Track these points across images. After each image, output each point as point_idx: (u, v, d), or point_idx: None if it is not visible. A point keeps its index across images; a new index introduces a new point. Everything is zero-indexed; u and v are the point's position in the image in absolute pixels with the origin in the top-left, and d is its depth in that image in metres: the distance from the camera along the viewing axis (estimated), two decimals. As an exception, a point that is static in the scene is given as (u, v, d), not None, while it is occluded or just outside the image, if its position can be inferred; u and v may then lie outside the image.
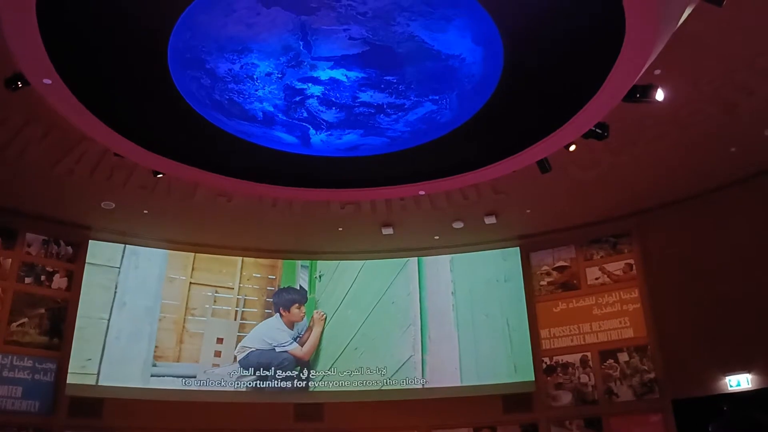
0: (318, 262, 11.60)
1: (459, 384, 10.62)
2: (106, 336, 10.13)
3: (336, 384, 10.80)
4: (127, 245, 10.69)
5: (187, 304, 10.83)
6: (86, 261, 10.32)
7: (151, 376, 10.22)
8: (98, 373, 9.91)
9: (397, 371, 10.80)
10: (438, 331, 10.95)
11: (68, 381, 9.66)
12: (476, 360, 10.68)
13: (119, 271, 10.53)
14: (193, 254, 11.12)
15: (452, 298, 11.15)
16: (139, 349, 10.29)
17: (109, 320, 10.22)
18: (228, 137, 6.93)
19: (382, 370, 10.83)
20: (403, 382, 10.73)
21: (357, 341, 11.07)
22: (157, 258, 10.87)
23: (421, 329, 10.99)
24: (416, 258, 11.52)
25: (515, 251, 11.23)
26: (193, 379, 10.40)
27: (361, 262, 11.59)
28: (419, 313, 11.09)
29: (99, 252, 10.45)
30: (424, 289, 11.30)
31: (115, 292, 10.40)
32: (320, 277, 11.52)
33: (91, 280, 10.29)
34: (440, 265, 11.42)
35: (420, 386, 10.69)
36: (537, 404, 10.27)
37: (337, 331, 11.15)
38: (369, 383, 10.78)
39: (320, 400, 10.68)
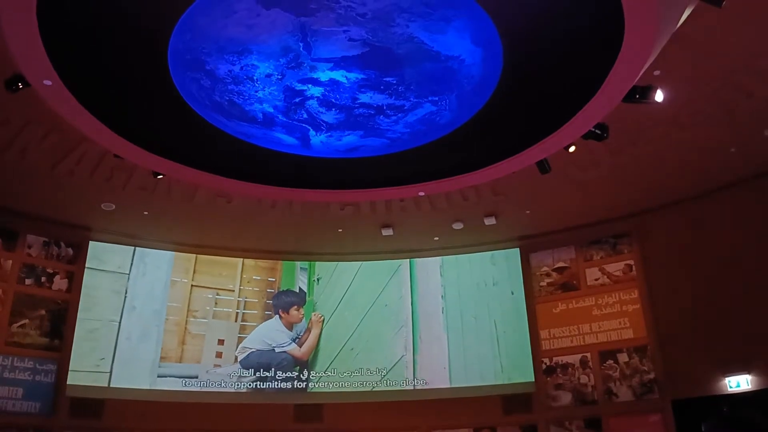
0: (317, 264, 11.63)
1: (448, 384, 10.68)
2: (117, 338, 10.30)
3: (335, 385, 10.82)
4: (135, 251, 10.80)
5: (188, 306, 10.92)
6: (92, 266, 10.42)
7: (158, 376, 10.35)
8: (110, 372, 10.08)
9: (389, 371, 10.87)
10: (428, 333, 11.05)
11: (78, 382, 9.73)
12: (464, 361, 10.77)
13: (128, 277, 10.69)
14: (194, 257, 11.17)
15: (442, 301, 11.24)
16: (147, 350, 10.44)
17: (119, 323, 10.38)
18: (228, 138, 6.93)
19: (381, 371, 10.87)
20: (402, 383, 10.76)
21: (353, 342, 11.12)
22: (163, 264, 10.98)
23: (413, 331, 11.08)
24: (408, 262, 11.56)
25: (507, 254, 11.26)
26: (194, 380, 10.48)
27: (357, 265, 11.62)
28: (411, 315, 11.19)
29: (109, 258, 10.61)
30: (415, 293, 11.38)
31: (125, 297, 10.56)
32: (318, 280, 11.56)
33: (102, 284, 10.43)
34: (430, 269, 11.50)
35: (412, 387, 10.73)
36: (537, 405, 10.27)
37: (334, 332, 11.19)
38: (367, 384, 10.81)
39: (319, 400, 10.69)
